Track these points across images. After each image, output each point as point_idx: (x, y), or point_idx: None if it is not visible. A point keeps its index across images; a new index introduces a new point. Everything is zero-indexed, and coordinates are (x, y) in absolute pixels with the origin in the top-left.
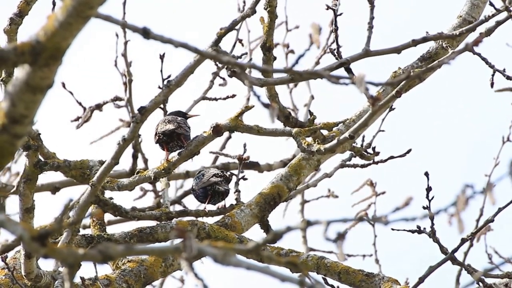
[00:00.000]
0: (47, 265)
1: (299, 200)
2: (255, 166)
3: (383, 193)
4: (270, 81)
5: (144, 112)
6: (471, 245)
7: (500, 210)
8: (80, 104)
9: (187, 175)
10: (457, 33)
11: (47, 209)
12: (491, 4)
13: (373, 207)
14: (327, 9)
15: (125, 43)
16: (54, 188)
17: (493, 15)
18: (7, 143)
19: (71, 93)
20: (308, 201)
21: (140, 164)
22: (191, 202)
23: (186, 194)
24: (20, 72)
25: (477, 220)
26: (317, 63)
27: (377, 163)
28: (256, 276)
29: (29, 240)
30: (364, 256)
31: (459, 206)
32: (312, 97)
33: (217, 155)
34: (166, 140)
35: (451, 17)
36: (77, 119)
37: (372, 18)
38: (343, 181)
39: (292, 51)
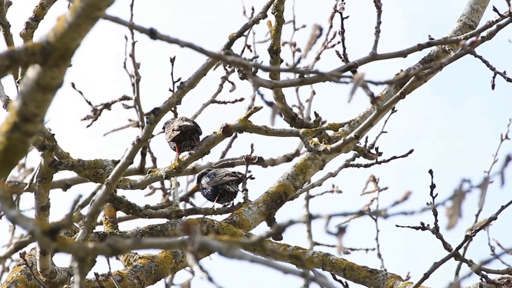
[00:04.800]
0: (62, 262)
1: (304, 195)
2: (259, 161)
3: (386, 188)
4: (280, 83)
5: (158, 113)
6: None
7: (503, 208)
8: (89, 103)
9: (193, 171)
10: (462, 37)
11: (58, 206)
12: (495, 10)
13: (375, 202)
14: (334, 12)
15: (133, 44)
16: (65, 185)
17: (497, 21)
18: (19, 140)
19: (80, 93)
20: (313, 196)
21: (148, 163)
22: (198, 199)
23: (193, 191)
24: (31, 72)
25: (476, 215)
26: (318, 58)
27: (380, 163)
28: (260, 270)
29: (40, 235)
30: (367, 250)
31: (458, 199)
32: (314, 93)
33: (224, 154)
34: (180, 138)
35: (443, 16)
36: (87, 118)
37: (379, 22)
38: (347, 179)
39: (299, 50)
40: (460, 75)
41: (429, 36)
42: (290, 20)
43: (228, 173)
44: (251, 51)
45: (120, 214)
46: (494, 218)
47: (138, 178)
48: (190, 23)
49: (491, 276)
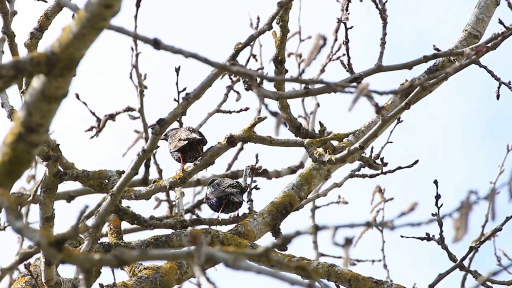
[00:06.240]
0: (67, 272)
1: (310, 206)
2: (263, 173)
3: (391, 199)
4: (285, 94)
5: (163, 124)
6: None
7: (508, 219)
8: (94, 114)
9: (198, 183)
10: (467, 49)
11: (62, 217)
12: (501, 22)
13: (381, 213)
14: (338, 22)
15: (136, 55)
16: (69, 197)
17: (503, 33)
18: (24, 151)
19: (85, 103)
20: (319, 207)
21: (154, 175)
22: (205, 211)
23: (199, 203)
24: (36, 82)
25: (483, 226)
26: (322, 71)
27: (385, 173)
28: (265, 281)
29: (47, 246)
30: (373, 261)
31: (465, 212)
32: (318, 105)
33: (230, 166)
34: (185, 148)
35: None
36: (91, 129)
37: (385, 34)
38: (352, 189)
39: (304, 60)
40: (464, 83)
41: (434, 46)
42: (296, 32)
43: (231, 183)
44: (256, 60)
45: (124, 224)
46: (499, 229)
47: (142, 188)
48: (195, 32)
49: (496, 287)
